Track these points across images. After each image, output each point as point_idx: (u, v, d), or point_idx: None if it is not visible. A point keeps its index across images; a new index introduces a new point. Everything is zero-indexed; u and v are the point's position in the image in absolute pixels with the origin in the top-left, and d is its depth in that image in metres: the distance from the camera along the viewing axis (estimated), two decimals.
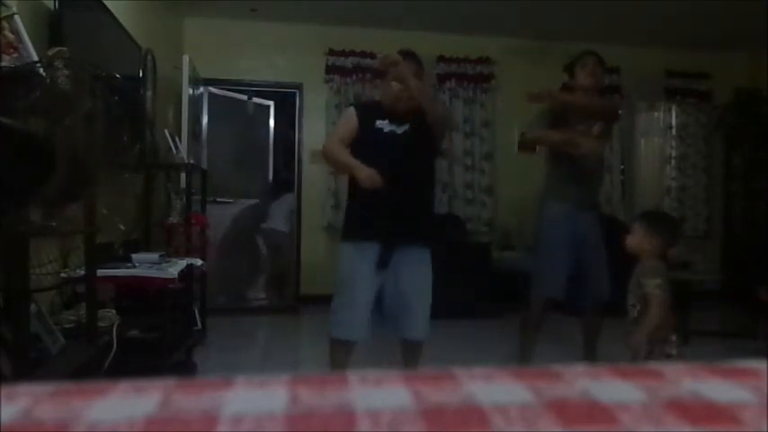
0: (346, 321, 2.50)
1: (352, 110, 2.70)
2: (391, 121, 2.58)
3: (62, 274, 1.94)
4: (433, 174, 2.77)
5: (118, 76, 1.67)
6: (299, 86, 5.56)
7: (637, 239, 2.37)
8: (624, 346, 2.37)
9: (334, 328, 2.55)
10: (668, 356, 2.25)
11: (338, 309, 2.54)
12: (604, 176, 4.53)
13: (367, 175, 2.40)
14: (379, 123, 2.58)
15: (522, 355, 3.23)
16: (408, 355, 2.67)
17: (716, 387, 0.28)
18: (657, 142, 6.19)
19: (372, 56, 5.51)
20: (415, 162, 2.60)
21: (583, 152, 2.96)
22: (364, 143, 2.57)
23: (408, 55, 2.63)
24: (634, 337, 2.25)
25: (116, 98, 1.63)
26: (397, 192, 2.46)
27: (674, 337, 2.30)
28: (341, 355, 2.57)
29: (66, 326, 2.07)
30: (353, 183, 2.55)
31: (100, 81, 1.61)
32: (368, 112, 2.65)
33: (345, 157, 2.52)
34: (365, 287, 2.50)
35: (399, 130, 2.58)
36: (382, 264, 2.52)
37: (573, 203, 3.00)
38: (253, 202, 5.62)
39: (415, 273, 2.59)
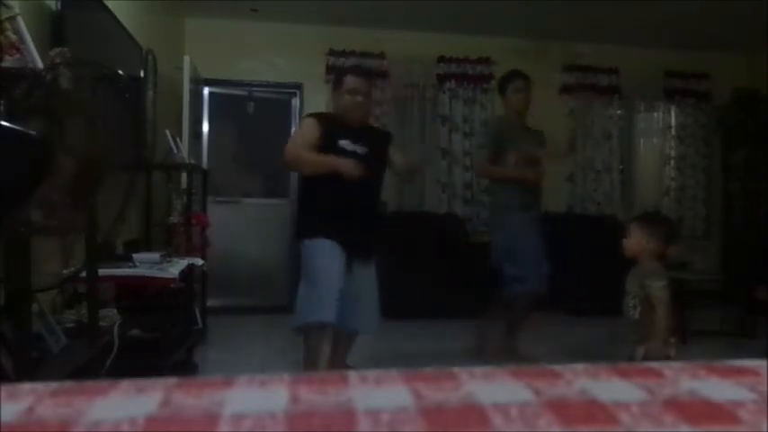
0: (326, 305, 2.62)
1: (312, 121, 2.83)
2: (353, 141, 2.80)
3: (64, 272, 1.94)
4: (381, 192, 3.01)
5: (121, 72, 1.67)
6: (299, 86, 5.56)
7: (634, 242, 2.36)
8: (625, 347, 2.37)
9: (309, 315, 2.67)
10: (668, 358, 2.24)
11: (311, 296, 2.68)
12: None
13: (352, 165, 2.61)
14: (341, 143, 2.77)
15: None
16: (346, 345, 2.96)
17: (715, 386, 0.28)
18: (656, 142, 6.18)
19: (372, 56, 5.51)
20: (372, 183, 2.85)
21: (531, 183, 3.48)
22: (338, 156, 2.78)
23: (360, 71, 2.97)
24: (650, 345, 2.23)
25: (117, 98, 1.63)
26: (361, 210, 2.78)
27: (673, 339, 2.29)
28: (318, 340, 2.71)
29: (68, 325, 2.07)
30: (316, 185, 2.78)
31: (102, 81, 1.61)
32: (329, 126, 2.81)
33: (318, 156, 2.69)
34: (338, 279, 2.68)
35: (360, 151, 2.80)
36: (348, 268, 2.75)
37: (530, 212, 3.52)
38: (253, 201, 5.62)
39: (369, 278, 2.88)
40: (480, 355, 3.58)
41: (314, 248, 2.75)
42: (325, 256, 2.71)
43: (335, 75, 3.26)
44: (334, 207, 2.76)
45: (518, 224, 3.44)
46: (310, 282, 2.73)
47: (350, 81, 2.86)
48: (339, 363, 2.98)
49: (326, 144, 2.75)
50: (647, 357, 2.25)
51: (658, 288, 2.23)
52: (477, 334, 3.70)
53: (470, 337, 3.74)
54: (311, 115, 2.90)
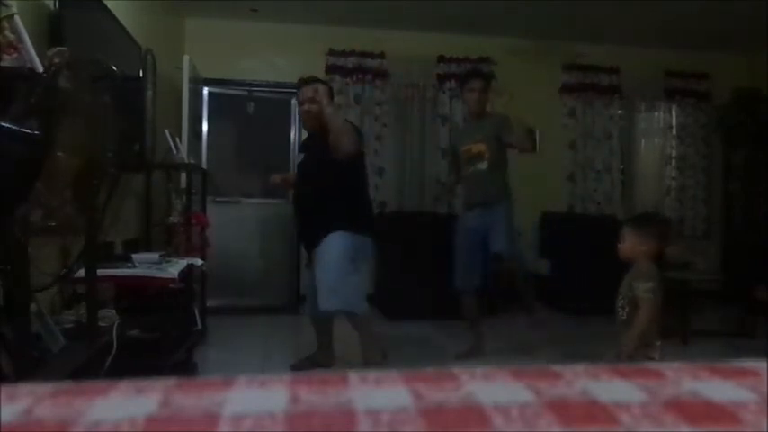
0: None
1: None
2: (300, 150, 3.41)
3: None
4: (337, 183, 3.17)
5: (114, 67, 1.66)
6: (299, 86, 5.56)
7: (627, 245, 2.36)
8: (611, 347, 2.38)
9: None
10: (650, 360, 2.24)
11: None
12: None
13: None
14: (300, 155, 3.37)
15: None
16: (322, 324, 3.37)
17: (715, 387, 0.28)
18: (657, 142, 6.19)
19: (372, 56, 5.51)
20: (310, 185, 3.23)
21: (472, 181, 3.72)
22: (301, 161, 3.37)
23: (310, 79, 3.32)
24: (622, 347, 2.26)
25: (117, 98, 1.63)
26: (307, 209, 3.26)
27: (658, 342, 2.28)
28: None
29: (67, 326, 2.06)
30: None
31: (101, 81, 1.61)
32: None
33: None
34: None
35: (298, 160, 3.40)
36: (309, 262, 3.28)
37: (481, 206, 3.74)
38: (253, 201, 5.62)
39: (322, 262, 3.14)
40: (478, 354, 3.59)
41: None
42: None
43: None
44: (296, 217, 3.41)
45: (469, 219, 3.67)
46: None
47: (300, 93, 3.26)
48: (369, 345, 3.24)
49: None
50: (619, 358, 2.26)
51: (643, 290, 2.24)
52: (473, 334, 3.70)
53: (466, 339, 3.76)
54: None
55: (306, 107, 3.19)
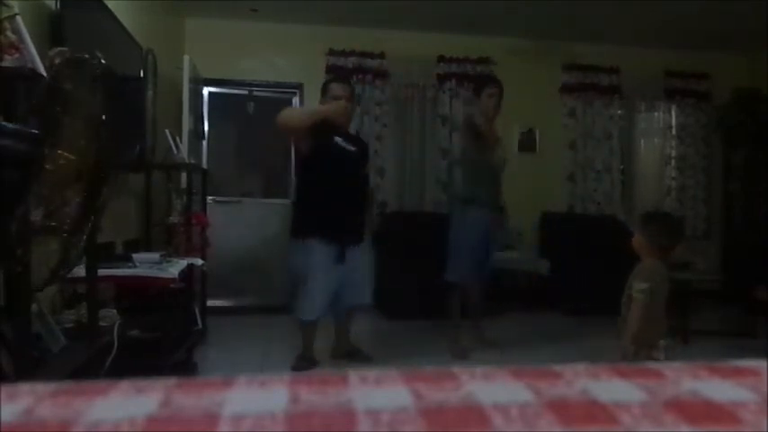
0: (317, 305, 3.10)
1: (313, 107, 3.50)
2: (344, 140, 3.21)
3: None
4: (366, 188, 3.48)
5: (103, 59, 1.65)
6: (299, 86, 5.56)
7: (635, 240, 2.41)
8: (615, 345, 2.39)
9: (307, 313, 3.16)
10: (654, 361, 2.24)
11: (309, 295, 3.09)
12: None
13: (341, 106, 3.10)
14: (336, 139, 3.16)
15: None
16: (346, 321, 3.43)
17: (716, 387, 0.28)
18: (657, 142, 6.18)
19: (372, 56, 5.51)
20: (360, 179, 3.31)
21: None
22: (325, 154, 3.14)
23: (342, 77, 3.48)
24: (622, 344, 2.26)
25: (117, 97, 1.63)
26: (352, 203, 3.19)
27: (662, 342, 2.28)
28: (312, 334, 3.27)
29: (67, 325, 2.06)
30: (308, 186, 3.16)
31: (101, 81, 1.61)
32: (324, 123, 3.13)
33: (311, 108, 3.14)
34: (333, 277, 3.11)
35: (353, 149, 3.26)
36: (340, 259, 3.13)
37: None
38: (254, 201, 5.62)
39: (360, 259, 3.25)
40: (466, 354, 3.65)
41: (309, 249, 3.11)
42: (320, 257, 3.08)
43: (323, 84, 3.58)
44: (328, 204, 3.10)
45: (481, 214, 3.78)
46: (308, 281, 3.11)
47: (334, 88, 3.25)
48: (344, 342, 3.44)
49: (323, 139, 3.09)
50: (624, 358, 2.27)
51: (636, 290, 2.25)
52: (455, 336, 3.77)
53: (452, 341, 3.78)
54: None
55: (344, 103, 3.22)
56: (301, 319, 3.24)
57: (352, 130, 3.76)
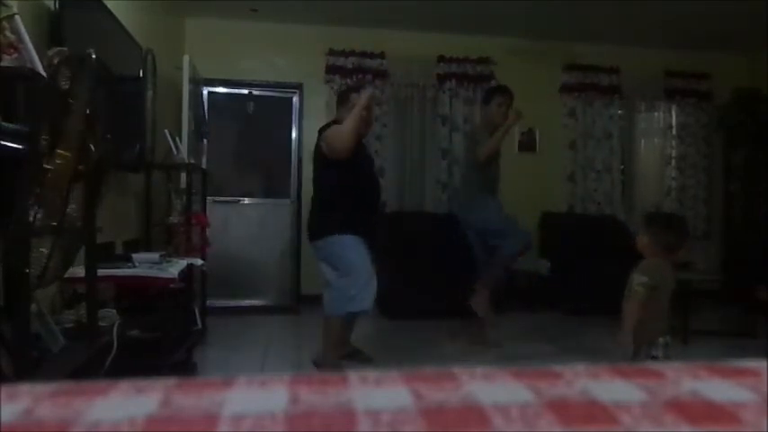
0: (368, 296, 3.05)
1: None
2: (364, 147, 3.38)
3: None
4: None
5: (99, 57, 1.66)
6: (299, 86, 5.56)
7: (639, 239, 2.43)
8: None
9: (357, 303, 3.05)
10: (653, 359, 2.25)
11: (359, 287, 3.04)
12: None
13: (368, 93, 3.25)
14: (359, 147, 3.23)
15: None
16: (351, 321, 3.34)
17: (716, 387, 0.28)
18: (657, 142, 6.19)
19: (372, 56, 5.51)
20: (376, 180, 3.46)
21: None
22: (361, 155, 3.26)
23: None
24: (619, 335, 2.29)
25: (117, 97, 1.63)
26: (374, 203, 3.35)
27: (661, 340, 2.29)
28: (348, 327, 3.31)
29: (67, 325, 2.06)
30: (344, 188, 3.16)
31: (99, 80, 1.61)
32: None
33: (351, 123, 3.04)
34: (372, 270, 3.11)
35: (370, 154, 3.50)
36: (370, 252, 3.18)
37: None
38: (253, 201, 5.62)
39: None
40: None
41: (350, 243, 3.12)
42: (362, 251, 3.10)
43: (339, 93, 3.63)
44: (364, 203, 3.21)
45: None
46: (356, 274, 3.06)
47: (355, 98, 3.23)
48: (344, 342, 3.39)
49: (356, 149, 3.17)
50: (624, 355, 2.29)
51: (636, 282, 2.29)
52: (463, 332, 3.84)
53: (464, 337, 3.79)
54: (335, 122, 3.28)
55: (365, 113, 3.22)
56: (349, 312, 3.14)
57: None
